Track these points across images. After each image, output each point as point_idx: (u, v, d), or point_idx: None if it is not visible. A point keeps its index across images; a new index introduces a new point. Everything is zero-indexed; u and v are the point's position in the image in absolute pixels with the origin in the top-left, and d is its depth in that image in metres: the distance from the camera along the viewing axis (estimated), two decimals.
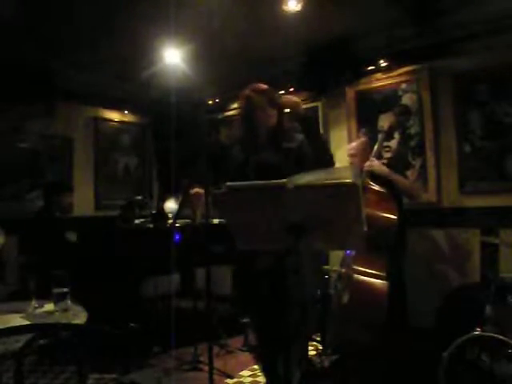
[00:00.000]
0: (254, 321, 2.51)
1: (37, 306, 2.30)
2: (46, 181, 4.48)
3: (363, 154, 3.19)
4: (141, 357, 3.33)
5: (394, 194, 2.93)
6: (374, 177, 3.06)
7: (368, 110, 4.11)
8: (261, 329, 2.41)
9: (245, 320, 3.75)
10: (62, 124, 4.94)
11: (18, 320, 2.11)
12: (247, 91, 2.32)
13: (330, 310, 2.97)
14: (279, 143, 2.26)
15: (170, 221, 3.95)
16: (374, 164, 3.06)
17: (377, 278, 2.75)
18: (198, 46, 3.79)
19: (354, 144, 3.39)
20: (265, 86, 2.32)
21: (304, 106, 2.40)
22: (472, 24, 3.35)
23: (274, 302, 2.14)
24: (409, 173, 3.75)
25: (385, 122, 3.89)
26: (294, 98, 2.29)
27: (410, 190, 3.16)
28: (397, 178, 3.07)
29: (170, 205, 4.27)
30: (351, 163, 3.30)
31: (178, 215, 3.33)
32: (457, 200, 3.59)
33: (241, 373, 3.18)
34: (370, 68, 4.04)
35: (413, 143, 3.82)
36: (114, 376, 2.99)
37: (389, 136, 3.25)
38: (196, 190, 2.68)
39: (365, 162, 3.09)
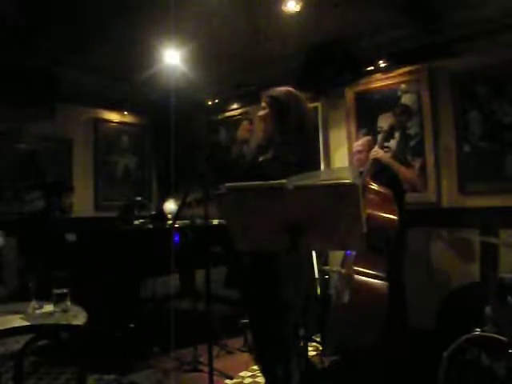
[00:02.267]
0: (251, 321, 2.49)
1: (36, 306, 2.30)
2: (46, 181, 4.48)
3: (369, 151, 3.22)
4: (140, 357, 3.32)
5: (395, 194, 2.94)
6: (379, 172, 3.07)
7: (367, 111, 4.11)
8: (258, 329, 2.40)
9: (244, 320, 3.75)
10: (62, 125, 4.94)
11: (17, 321, 2.11)
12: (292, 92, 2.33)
13: (330, 310, 2.97)
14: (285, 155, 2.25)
15: (170, 221, 3.95)
16: (380, 151, 3.09)
17: (377, 279, 2.75)
18: (197, 46, 3.79)
19: (360, 141, 3.42)
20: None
21: None
22: (471, 24, 3.35)
23: (271, 303, 2.14)
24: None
25: (384, 122, 3.90)
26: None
27: (412, 181, 3.16)
28: (399, 168, 3.09)
29: (170, 205, 4.27)
30: (357, 160, 3.31)
31: (177, 216, 3.33)
32: (456, 200, 3.59)
33: (241, 373, 3.17)
34: (369, 68, 4.04)
35: (412, 143, 3.82)
36: (113, 377, 2.99)
37: (389, 136, 3.26)
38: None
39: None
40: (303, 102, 2.35)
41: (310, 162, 2.28)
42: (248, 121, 2.47)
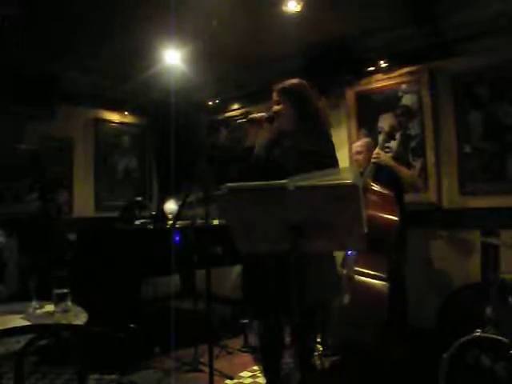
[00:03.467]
0: (261, 321, 2.47)
1: (37, 306, 2.30)
2: (40, 180, 4.48)
3: (368, 152, 3.23)
4: (141, 358, 3.32)
5: (396, 195, 2.95)
6: (378, 173, 3.07)
7: (368, 111, 4.11)
8: (268, 329, 2.40)
9: (245, 321, 3.75)
10: (63, 125, 4.94)
11: (18, 321, 2.11)
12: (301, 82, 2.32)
13: (331, 310, 2.97)
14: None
15: (170, 222, 3.94)
16: (381, 154, 3.10)
17: (377, 279, 2.75)
18: (197, 46, 3.79)
19: (359, 142, 3.44)
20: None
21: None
22: (472, 24, 3.35)
23: (286, 302, 2.14)
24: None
25: (385, 122, 3.90)
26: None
27: (413, 181, 3.17)
28: (401, 169, 3.11)
29: (170, 206, 4.27)
30: (356, 160, 3.32)
31: (178, 216, 3.33)
32: (457, 201, 3.59)
33: (241, 374, 3.17)
34: (369, 69, 4.04)
35: (413, 144, 3.82)
36: (113, 377, 3.00)
37: (390, 137, 3.27)
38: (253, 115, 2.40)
39: (369, 160, 3.15)
40: (314, 92, 2.35)
41: (326, 151, 2.28)
42: (252, 124, 2.39)
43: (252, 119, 2.31)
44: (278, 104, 2.33)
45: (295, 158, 2.14)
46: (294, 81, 2.35)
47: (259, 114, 2.32)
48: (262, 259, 2.21)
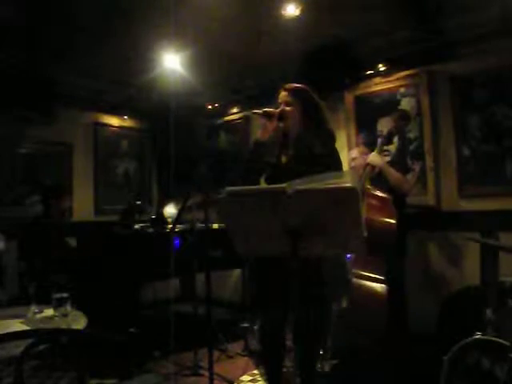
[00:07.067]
0: (265, 321, 2.45)
1: (36, 311, 2.30)
2: (44, 185, 4.48)
3: (363, 157, 3.24)
4: (140, 362, 3.32)
5: (395, 198, 2.95)
6: (379, 175, 3.08)
7: (367, 114, 4.12)
8: (271, 332, 2.39)
9: (245, 324, 3.75)
10: (62, 129, 4.95)
11: (17, 325, 2.11)
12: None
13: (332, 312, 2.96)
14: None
15: (170, 226, 3.94)
16: (372, 156, 3.10)
17: (377, 282, 2.75)
18: (197, 50, 3.80)
19: (353, 150, 3.49)
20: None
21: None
22: (470, 28, 3.36)
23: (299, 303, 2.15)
24: (408, 176, 3.73)
25: (384, 125, 3.91)
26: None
27: (400, 184, 3.14)
28: (389, 170, 3.10)
29: (170, 209, 4.27)
30: (353, 167, 3.32)
31: (177, 220, 3.33)
32: (456, 203, 3.59)
33: (241, 377, 3.16)
34: (368, 72, 4.05)
35: (412, 147, 3.82)
36: (113, 381, 2.99)
37: (388, 141, 3.27)
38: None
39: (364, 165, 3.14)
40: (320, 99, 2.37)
41: (337, 155, 2.29)
42: (265, 117, 2.30)
43: (267, 113, 2.30)
44: (287, 105, 2.31)
45: (308, 161, 2.13)
46: (304, 86, 2.35)
47: (273, 109, 2.31)
48: (271, 258, 2.20)
